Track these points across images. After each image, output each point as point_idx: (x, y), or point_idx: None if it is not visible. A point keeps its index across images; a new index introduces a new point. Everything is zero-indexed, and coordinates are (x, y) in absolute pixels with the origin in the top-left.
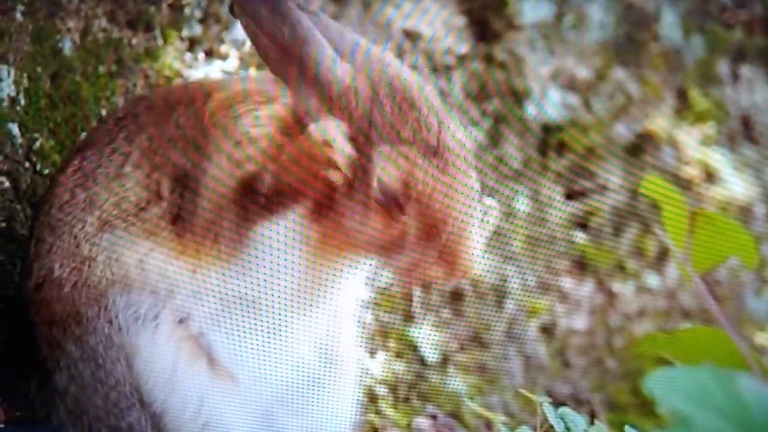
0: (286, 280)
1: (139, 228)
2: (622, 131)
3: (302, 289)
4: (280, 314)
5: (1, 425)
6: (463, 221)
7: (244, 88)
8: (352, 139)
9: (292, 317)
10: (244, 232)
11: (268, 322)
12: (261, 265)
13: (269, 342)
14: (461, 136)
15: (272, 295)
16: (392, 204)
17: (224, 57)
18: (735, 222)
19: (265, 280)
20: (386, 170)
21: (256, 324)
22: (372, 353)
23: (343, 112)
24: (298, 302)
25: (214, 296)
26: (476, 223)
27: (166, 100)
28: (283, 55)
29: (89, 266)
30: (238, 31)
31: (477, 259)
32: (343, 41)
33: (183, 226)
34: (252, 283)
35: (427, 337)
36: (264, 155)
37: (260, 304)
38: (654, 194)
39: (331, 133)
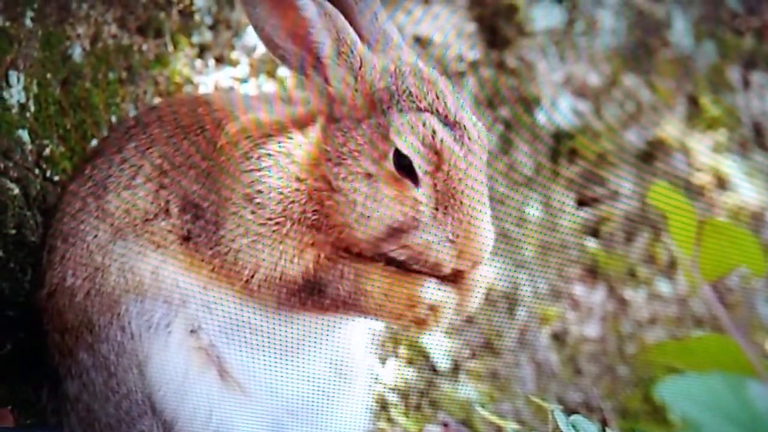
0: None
1: (147, 239)
2: (633, 138)
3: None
4: (292, 329)
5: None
6: (477, 201)
7: (252, 120)
8: (371, 109)
9: (303, 333)
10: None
11: (279, 337)
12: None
13: (280, 355)
14: (476, 120)
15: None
16: (407, 175)
17: (235, 63)
18: (743, 230)
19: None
20: (404, 138)
21: (267, 339)
22: (383, 360)
23: (364, 84)
24: (311, 316)
25: (225, 312)
26: (486, 210)
27: (177, 120)
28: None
29: (103, 275)
30: (249, 37)
31: (488, 245)
32: (375, 29)
33: (195, 248)
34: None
35: (439, 344)
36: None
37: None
38: (661, 203)
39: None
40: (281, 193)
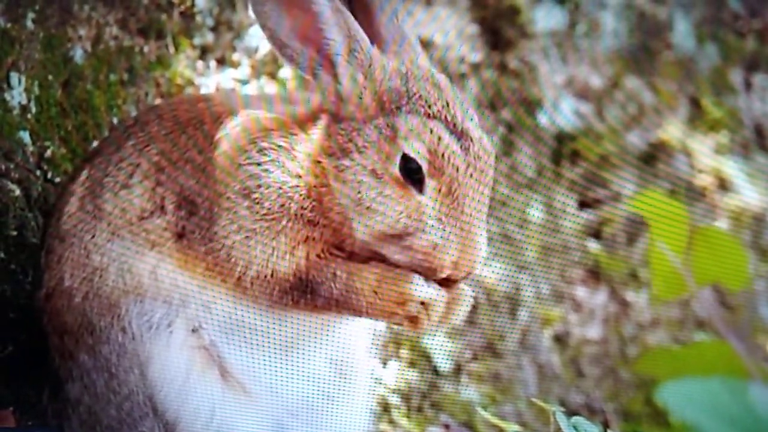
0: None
1: (143, 238)
2: (635, 140)
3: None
4: (290, 328)
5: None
6: (477, 212)
7: (250, 119)
8: (379, 109)
9: (304, 333)
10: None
11: (278, 336)
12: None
13: (281, 355)
14: (482, 134)
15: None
16: (411, 181)
17: (236, 65)
18: (731, 236)
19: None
20: (411, 144)
21: (266, 338)
22: (385, 362)
23: (373, 83)
24: (311, 317)
25: (224, 311)
26: (483, 223)
27: (176, 117)
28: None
29: (101, 276)
30: (250, 38)
31: (481, 257)
32: (392, 29)
33: (189, 245)
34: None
35: (441, 346)
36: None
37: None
38: (647, 211)
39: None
40: (281, 189)
